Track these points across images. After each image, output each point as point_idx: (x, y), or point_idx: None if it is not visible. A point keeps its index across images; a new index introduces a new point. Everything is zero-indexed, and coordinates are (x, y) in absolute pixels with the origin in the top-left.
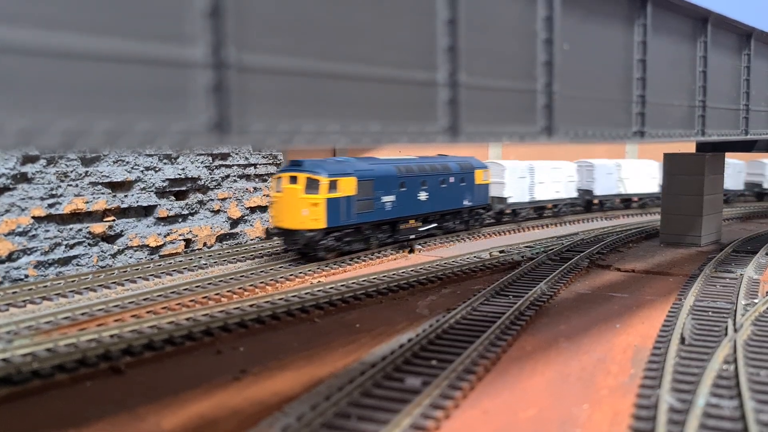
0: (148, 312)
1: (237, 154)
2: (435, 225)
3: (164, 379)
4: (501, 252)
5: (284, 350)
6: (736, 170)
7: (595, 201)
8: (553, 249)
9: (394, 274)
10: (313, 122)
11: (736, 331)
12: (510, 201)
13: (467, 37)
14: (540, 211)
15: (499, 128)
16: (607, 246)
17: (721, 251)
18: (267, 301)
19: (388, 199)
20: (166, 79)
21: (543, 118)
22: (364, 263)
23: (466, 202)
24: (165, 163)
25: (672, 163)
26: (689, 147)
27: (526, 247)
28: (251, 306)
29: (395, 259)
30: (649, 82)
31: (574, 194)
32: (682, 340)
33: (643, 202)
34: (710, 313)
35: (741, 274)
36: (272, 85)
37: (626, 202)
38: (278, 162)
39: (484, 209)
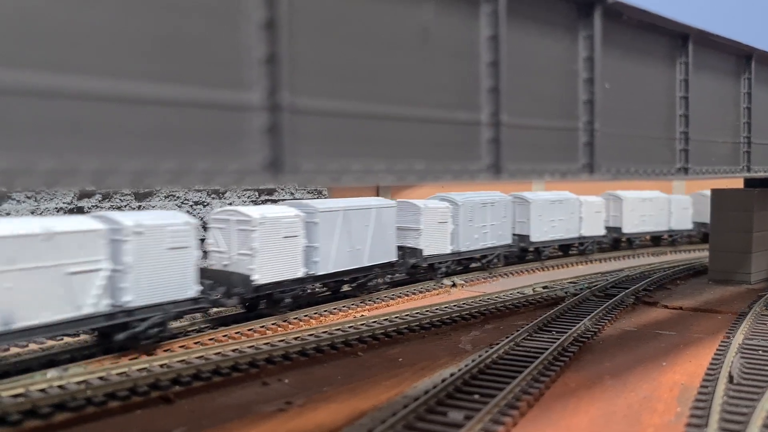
0: (195, 343)
1: (283, 189)
2: None
3: (211, 409)
4: (544, 288)
5: (328, 383)
6: None
7: None
8: (597, 285)
9: (436, 309)
10: (360, 161)
11: None
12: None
13: (509, 77)
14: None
15: (541, 166)
16: (653, 283)
17: None
18: (311, 334)
19: None
20: (225, 122)
21: (584, 155)
22: (407, 298)
23: None
24: (213, 198)
25: (720, 199)
26: (738, 183)
27: (570, 282)
28: (296, 339)
29: (438, 294)
30: (692, 119)
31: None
32: (731, 378)
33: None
34: (760, 351)
35: None
36: (322, 126)
37: None
38: (324, 197)
39: None
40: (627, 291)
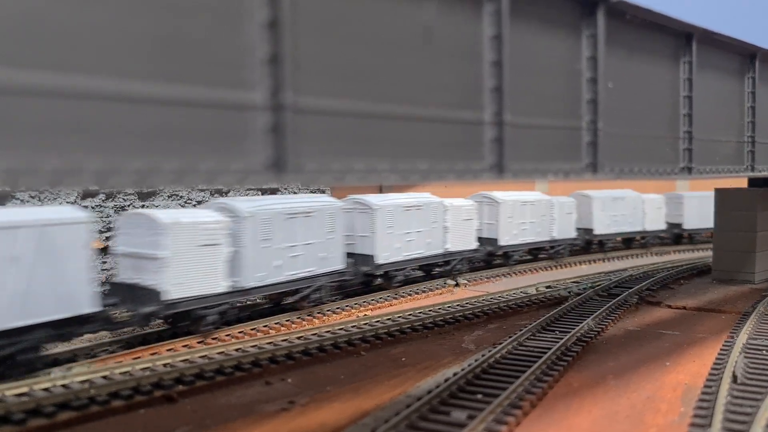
0: (198, 342)
1: (285, 188)
2: None
3: (215, 409)
4: (547, 287)
5: (331, 382)
6: None
7: None
8: (600, 285)
9: (440, 309)
10: (363, 161)
11: None
12: None
13: (512, 77)
14: None
15: (544, 165)
16: (657, 282)
17: None
18: (314, 334)
19: None
20: (228, 121)
21: (588, 154)
22: (410, 297)
23: None
24: (216, 198)
25: (723, 199)
26: (742, 182)
27: (573, 282)
28: (299, 338)
29: (441, 294)
30: (696, 118)
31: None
32: (735, 378)
33: None
34: (764, 351)
35: None
36: (325, 125)
37: None
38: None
39: None
40: (630, 290)
